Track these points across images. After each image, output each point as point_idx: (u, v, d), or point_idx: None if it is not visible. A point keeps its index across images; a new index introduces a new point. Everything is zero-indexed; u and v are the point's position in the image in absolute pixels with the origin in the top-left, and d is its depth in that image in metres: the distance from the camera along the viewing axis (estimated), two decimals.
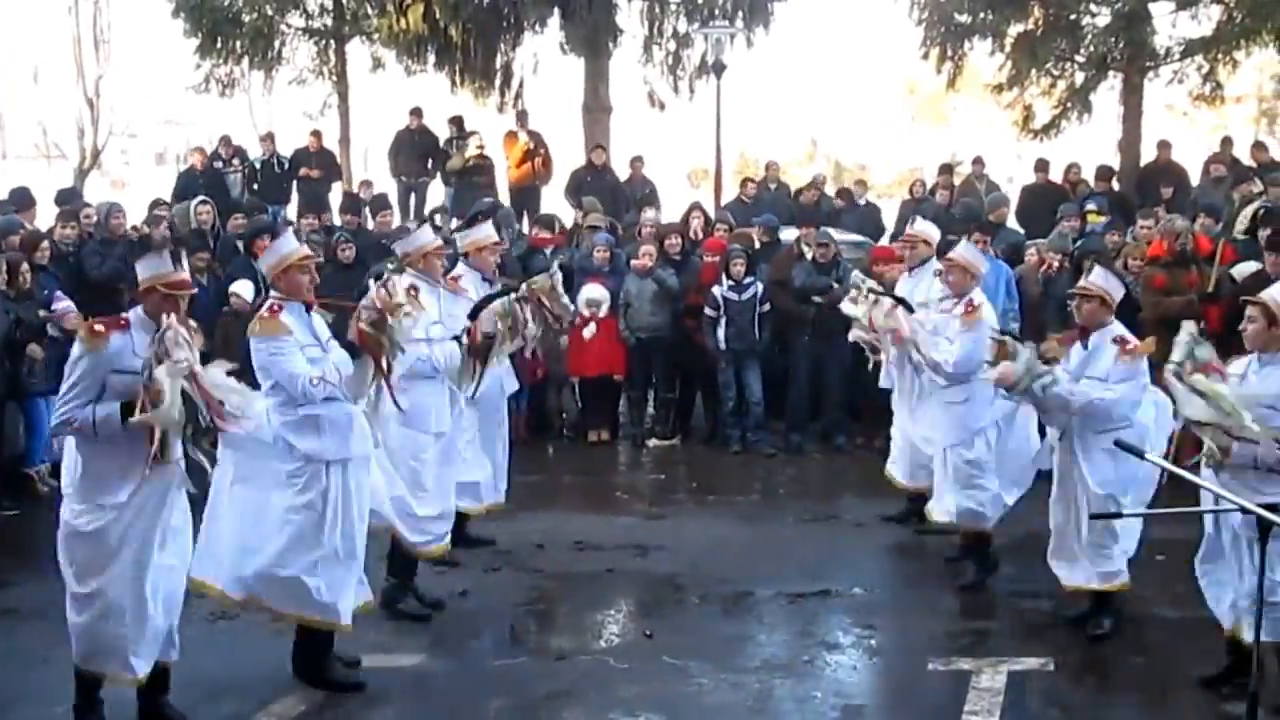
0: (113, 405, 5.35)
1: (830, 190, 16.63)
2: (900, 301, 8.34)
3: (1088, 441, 6.70)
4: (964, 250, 8.12)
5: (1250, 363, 5.87)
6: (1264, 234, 10.98)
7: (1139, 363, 6.66)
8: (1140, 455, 4.74)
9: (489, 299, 7.47)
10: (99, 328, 5.44)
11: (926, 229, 9.25)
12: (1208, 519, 5.97)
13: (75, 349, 5.47)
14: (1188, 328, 6.05)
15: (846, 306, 8.81)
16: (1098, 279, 6.87)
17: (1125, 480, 6.61)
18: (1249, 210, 11.90)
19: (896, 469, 9.04)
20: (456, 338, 7.19)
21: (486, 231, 8.29)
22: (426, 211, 15.53)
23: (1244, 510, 3.89)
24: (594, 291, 11.63)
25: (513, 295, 7.59)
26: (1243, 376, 5.82)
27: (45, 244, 10.82)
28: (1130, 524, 6.77)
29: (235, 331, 11.18)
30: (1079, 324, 6.85)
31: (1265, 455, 5.57)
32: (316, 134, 17.46)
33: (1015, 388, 6.77)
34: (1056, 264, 11.27)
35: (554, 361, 11.33)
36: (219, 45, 19.92)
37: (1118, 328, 6.80)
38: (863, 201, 15.96)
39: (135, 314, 5.55)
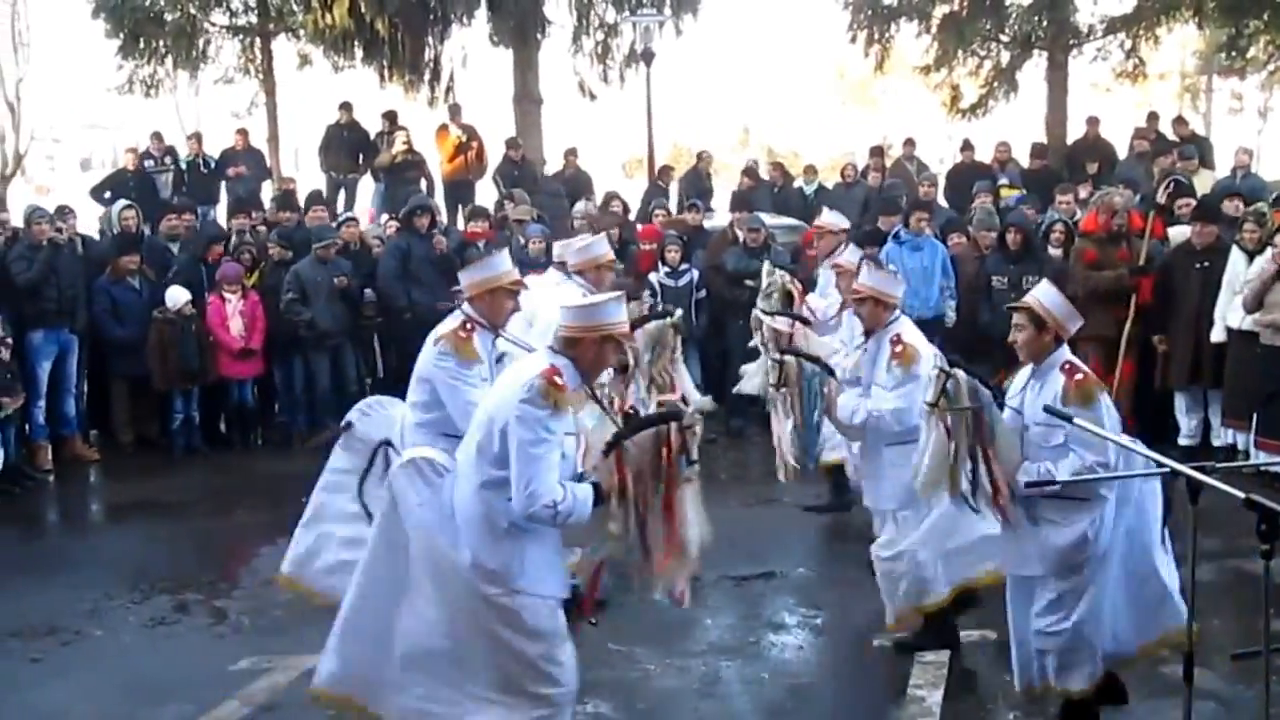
0: (585, 488, 4.44)
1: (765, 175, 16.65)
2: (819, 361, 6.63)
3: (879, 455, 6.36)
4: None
5: (1028, 377, 5.34)
6: (1162, 198, 11.09)
7: (914, 367, 6.04)
8: (1069, 419, 4.77)
9: (645, 319, 6.18)
10: (559, 380, 4.35)
11: (834, 219, 9.39)
12: None
13: (532, 406, 4.31)
14: (937, 363, 5.48)
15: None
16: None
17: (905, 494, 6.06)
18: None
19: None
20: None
21: (601, 249, 7.19)
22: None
23: (1174, 473, 3.93)
24: None
25: (669, 319, 6.42)
26: (1021, 390, 5.34)
27: None
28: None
29: (170, 335, 11.08)
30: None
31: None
32: (243, 132, 17.21)
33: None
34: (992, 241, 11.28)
35: None
36: (141, 45, 19.57)
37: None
38: (813, 187, 16.03)
39: (560, 359, 4.47)
